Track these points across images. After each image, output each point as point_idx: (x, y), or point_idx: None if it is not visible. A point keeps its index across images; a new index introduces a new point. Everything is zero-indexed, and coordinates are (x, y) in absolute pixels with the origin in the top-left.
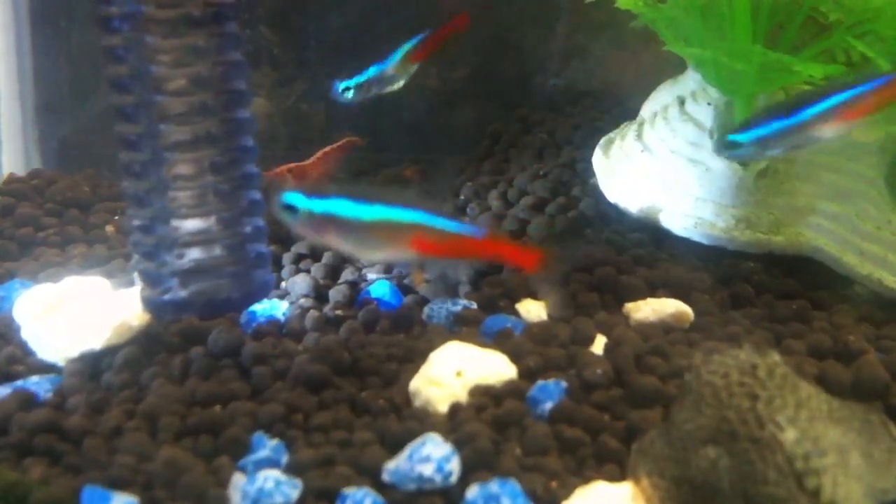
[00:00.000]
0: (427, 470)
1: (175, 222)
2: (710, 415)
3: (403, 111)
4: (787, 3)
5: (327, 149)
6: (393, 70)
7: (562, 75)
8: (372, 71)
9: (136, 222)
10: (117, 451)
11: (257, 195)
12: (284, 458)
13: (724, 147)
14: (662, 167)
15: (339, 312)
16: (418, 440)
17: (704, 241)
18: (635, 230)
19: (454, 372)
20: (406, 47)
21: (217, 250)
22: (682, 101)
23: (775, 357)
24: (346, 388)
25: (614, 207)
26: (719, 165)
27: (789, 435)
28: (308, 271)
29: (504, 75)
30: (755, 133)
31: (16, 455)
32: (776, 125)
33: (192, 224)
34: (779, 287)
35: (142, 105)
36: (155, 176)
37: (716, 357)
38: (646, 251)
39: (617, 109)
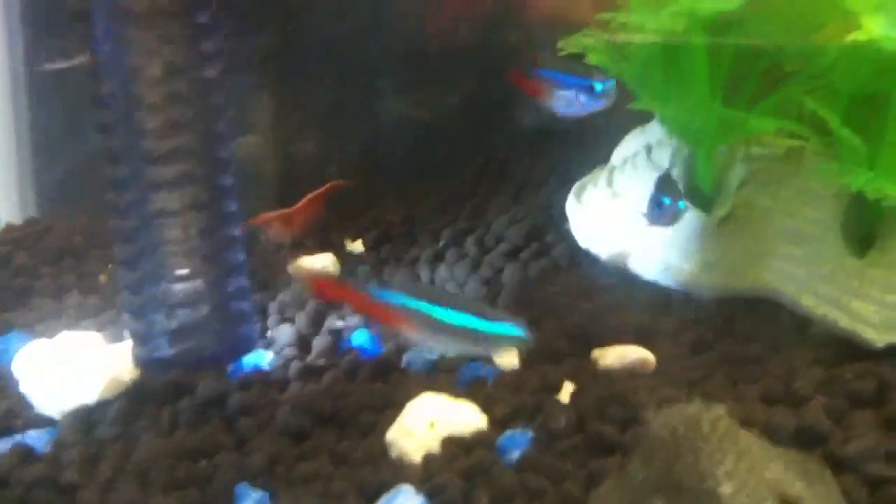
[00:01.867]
0: None
1: (164, 284)
2: (658, 466)
3: (391, 148)
4: (747, 55)
5: (312, 194)
6: None
7: (540, 116)
8: None
9: (126, 284)
10: None
11: (241, 256)
12: None
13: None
14: (632, 213)
15: (321, 362)
16: (392, 491)
17: (672, 284)
18: (605, 275)
19: (427, 423)
20: None
21: (203, 310)
22: (649, 150)
23: (720, 410)
24: (327, 438)
25: (586, 253)
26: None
27: (726, 489)
28: (292, 320)
29: (487, 115)
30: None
31: None
32: None
33: (179, 286)
34: (739, 330)
35: (133, 175)
36: (144, 241)
37: (665, 410)
38: (614, 297)
39: (594, 152)
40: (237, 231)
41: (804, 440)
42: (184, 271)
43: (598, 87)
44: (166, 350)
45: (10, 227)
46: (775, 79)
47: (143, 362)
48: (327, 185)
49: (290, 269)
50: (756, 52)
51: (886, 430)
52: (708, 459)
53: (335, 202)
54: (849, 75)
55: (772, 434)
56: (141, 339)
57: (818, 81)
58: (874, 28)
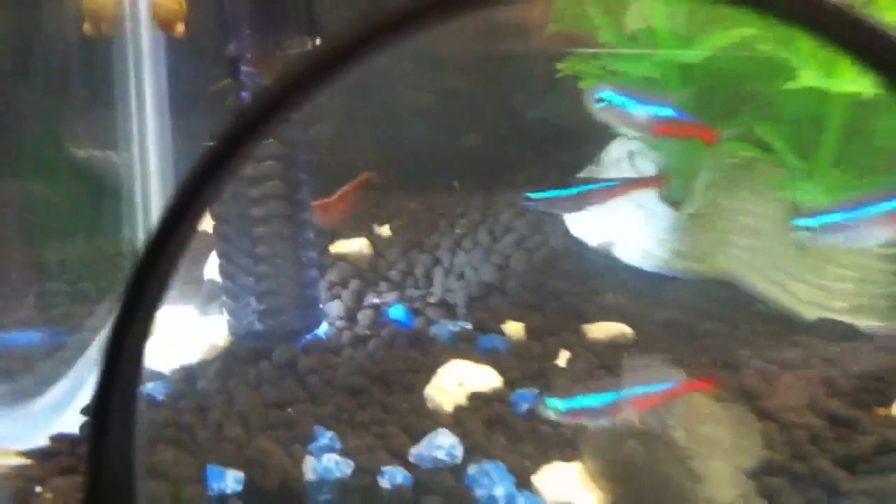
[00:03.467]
0: (440, 454)
1: (254, 276)
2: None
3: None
4: (710, 88)
5: (348, 186)
6: None
7: (546, 114)
8: None
9: (226, 274)
10: (223, 441)
11: (312, 254)
12: (338, 445)
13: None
14: (617, 209)
15: (367, 332)
16: (432, 433)
17: (648, 269)
18: (595, 261)
19: (456, 383)
20: None
21: (284, 297)
22: (631, 156)
23: (682, 373)
24: (377, 393)
25: (578, 241)
26: (661, 209)
27: (679, 433)
28: (339, 297)
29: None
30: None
31: (150, 444)
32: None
33: (266, 277)
34: (704, 308)
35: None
36: (241, 242)
37: (637, 373)
38: (602, 281)
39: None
40: (310, 234)
41: (741, 397)
42: (269, 267)
43: None
44: (256, 326)
45: None
46: (734, 106)
47: (237, 334)
48: (361, 177)
49: (332, 251)
50: (718, 85)
51: (806, 387)
52: (668, 411)
53: (367, 193)
54: (790, 107)
55: (717, 393)
56: (236, 317)
57: (767, 111)
58: (808, 79)
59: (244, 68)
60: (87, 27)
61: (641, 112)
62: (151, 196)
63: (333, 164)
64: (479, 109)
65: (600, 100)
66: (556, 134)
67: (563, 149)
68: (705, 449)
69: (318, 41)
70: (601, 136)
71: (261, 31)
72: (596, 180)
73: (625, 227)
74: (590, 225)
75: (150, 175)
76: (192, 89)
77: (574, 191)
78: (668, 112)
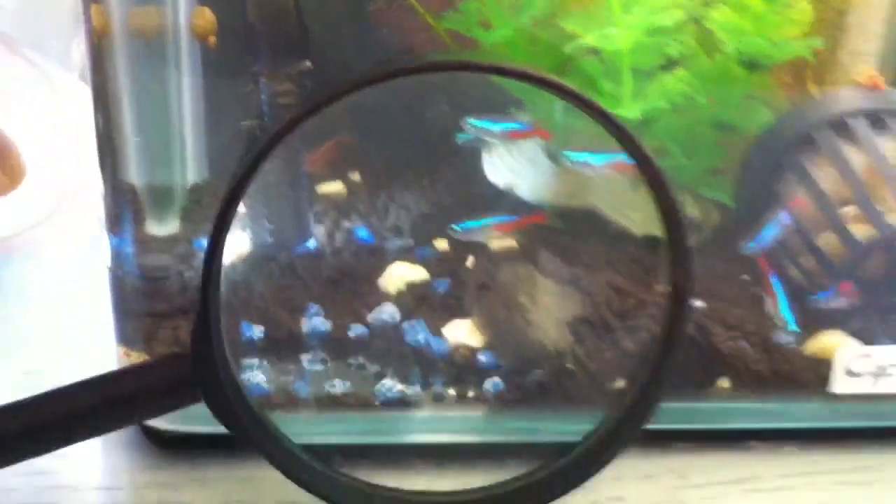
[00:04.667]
0: (385, 317)
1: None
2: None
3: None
4: None
5: (329, 143)
6: None
7: None
8: None
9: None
10: (250, 308)
11: (305, 192)
12: (322, 313)
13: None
14: (516, 162)
15: (341, 246)
16: (382, 305)
17: (539, 203)
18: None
19: (398, 276)
20: None
21: (286, 221)
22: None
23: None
24: (347, 283)
25: (491, 184)
26: (546, 163)
27: (522, 299)
28: (322, 222)
29: None
30: None
31: None
32: None
33: (275, 209)
34: (573, 231)
35: None
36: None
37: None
38: (504, 209)
39: None
40: (304, 177)
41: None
42: (276, 199)
43: None
44: (268, 239)
45: None
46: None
47: (254, 244)
48: (339, 138)
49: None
50: None
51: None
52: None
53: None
54: None
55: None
56: (254, 233)
57: None
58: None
59: (262, 80)
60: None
61: (497, 128)
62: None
63: (320, 129)
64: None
65: (468, 124)
66: None
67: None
68: (538, 306)
69: (308, 63)
70: None
71: (272, 52)
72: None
73: (523, 174)
74: (500, 173)
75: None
76: (223, 92)
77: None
78: (515, 125)
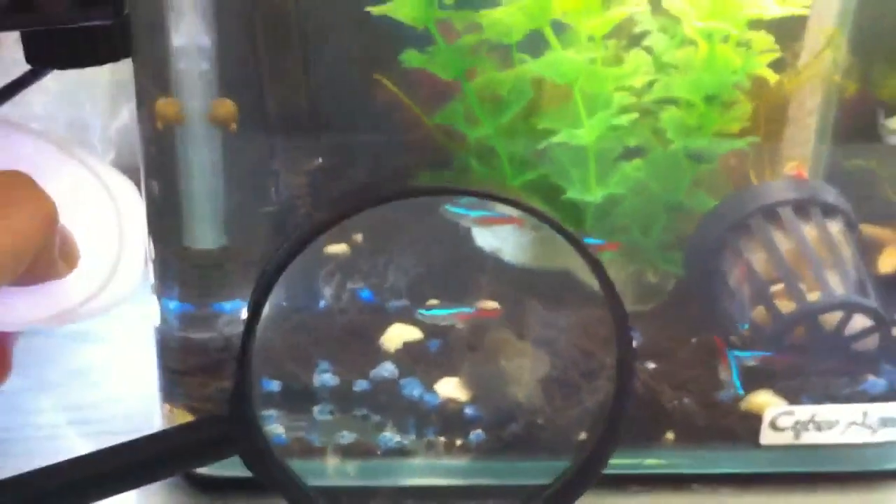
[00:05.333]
0: (386, 374)
1: None
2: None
3: None
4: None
5: None
6: None
7: None
8: None
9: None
10: (268, 364)
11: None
12: (331, 368)
13: None
14: (501, 228)
15: (347, 305)
16: (383, 363)
17: (519, 265)
18: (489, 260)
19: (397, 335)
20: None
21: (298, 287)
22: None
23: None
24: (353, 341)
25: (479, 248)
26: (524, 233)
27: (501, 360)
28: (330, 284)
29: None
30: None
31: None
32: None
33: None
34: (540, 286)
35: None
36: None
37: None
38: (491, 277)
39: None
40: None
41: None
42: None
43: None
44: (283, 302)
45: None
46: None
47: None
48: None
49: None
50: None
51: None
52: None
53: None
54: None
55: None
56: None
57: None
58: None
59: (280, 174)
60: (158, 124)
61: (473, 214)
62: None
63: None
64: None
65: (446, 210)
66: None
67: None
68: (516, 366)
69: (320, 160)
70: None
71: (288, 148)
72: None
73: (507, 239)
74: (486, 238)
75: None
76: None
77: (446, 312)
78: (488, 213)
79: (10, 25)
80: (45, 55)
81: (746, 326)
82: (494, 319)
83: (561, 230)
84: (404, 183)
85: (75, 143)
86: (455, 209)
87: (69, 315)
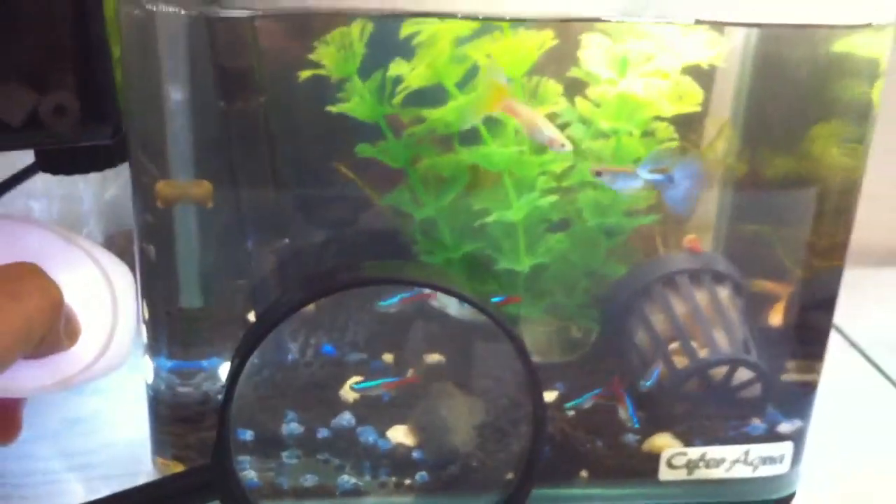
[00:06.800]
0: (344, 423)
1: None
2: None
3: None
4: None
5: None
6: None
7: None
8: None
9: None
10: (241, 417)
11: None
12: (297, 418)
13: None
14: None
15: (311, 359)
16: (342, 413)
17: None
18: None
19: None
20: None
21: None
22: None
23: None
24: (315, 392)
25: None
26: None
27: (441, 411)
28: (296, 339)
29: None
30: None
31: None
32: None
33: None
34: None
35: None
36: None
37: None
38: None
39: None
40: None
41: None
42: None
43: None
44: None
45: None
46: None
47: None
48: None
49: None
50: None
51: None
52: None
53: None
54: None
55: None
56: None
57: None
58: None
59: (252, 252)
60: (159, 203)
61: (394, 301)
62: None
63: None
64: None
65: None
66: None
67: None
68: (455, 415)
69: (287, 240)
70: None
71: (258, 230)
72: None
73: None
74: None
75: None
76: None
77: (374, 383)
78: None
79: (23, 144)
80: (54, 164)
81: (649, 384)
82: (417, 385)
83: (478, 307)
84: (359, 273)
85: (77, 234)
86: (384, 303)
87: (69, 381)
